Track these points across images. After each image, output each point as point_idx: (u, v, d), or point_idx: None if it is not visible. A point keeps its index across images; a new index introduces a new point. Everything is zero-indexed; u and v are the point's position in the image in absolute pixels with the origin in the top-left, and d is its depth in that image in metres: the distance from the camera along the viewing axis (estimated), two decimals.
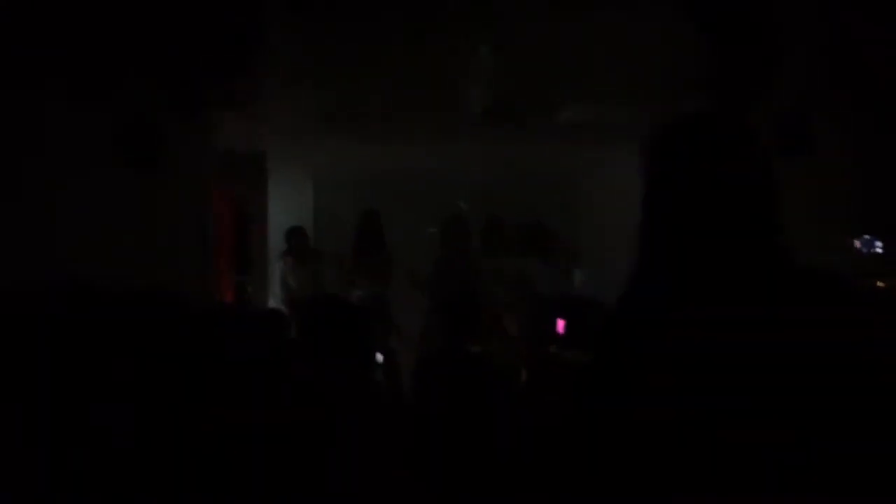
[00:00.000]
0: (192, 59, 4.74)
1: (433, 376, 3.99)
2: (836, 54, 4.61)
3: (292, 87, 6.21)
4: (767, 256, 1.31)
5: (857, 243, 4.10)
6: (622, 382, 1.29)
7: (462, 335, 4.05)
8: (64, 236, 4.98)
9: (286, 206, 8.06)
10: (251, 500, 2.03)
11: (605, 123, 7.36)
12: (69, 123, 5.28)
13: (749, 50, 4.61)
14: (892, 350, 1.19)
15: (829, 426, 1.14)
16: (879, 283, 4.10)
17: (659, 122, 1.47)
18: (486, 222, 6.79)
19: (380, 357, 4.23)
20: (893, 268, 4.53)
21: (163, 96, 5.02)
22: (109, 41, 4.35)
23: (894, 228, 4.86)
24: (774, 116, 5.67)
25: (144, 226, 5.38)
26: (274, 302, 6.83)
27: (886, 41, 4.45)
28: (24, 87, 4.86)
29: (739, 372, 1.20)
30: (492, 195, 7.85)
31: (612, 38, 5.15)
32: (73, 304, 2.07)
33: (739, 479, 1.14)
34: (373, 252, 6.58)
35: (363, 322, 3.83)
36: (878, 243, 4.11)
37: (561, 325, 3.91)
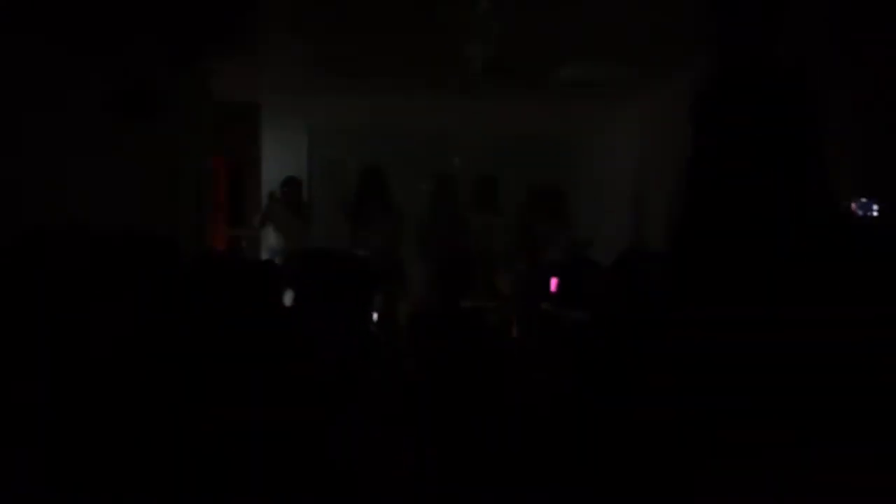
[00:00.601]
0: (189, 9, 4.66)
1: (426, 332, 4.01)
2: (837, 19, 4.55)
3: (288, 38, 6.13)
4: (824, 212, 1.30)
5: (854, 206, 4.09)
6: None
7: (454, 291, 4.06)
8: (60, 186, 4.96)
9: (281, 160, 8.01)
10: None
11: (605, 82, 7.31)
12: (68, 74, 5.30)
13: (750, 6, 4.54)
14: None
15: None
16: None
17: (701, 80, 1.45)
18: (478, 181, 6.83)
19: (375, 316, 4.24)
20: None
21: (160, 48, 4.96)
22: None
23: (891, 190, 4.87)
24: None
25: (139, 177, 5.35)
26: (266, 253, 6.81)
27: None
28: (24, 34, 4.79)
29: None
30: (488, 152, 7.80)
31: None
32: (70, 247, 2.07)
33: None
34: (378, 209, 6.54)
35: (363, 277, 3.84)
36: (875, 206, 4.10)
37: (554, 283, 3.93)
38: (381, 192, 6.58)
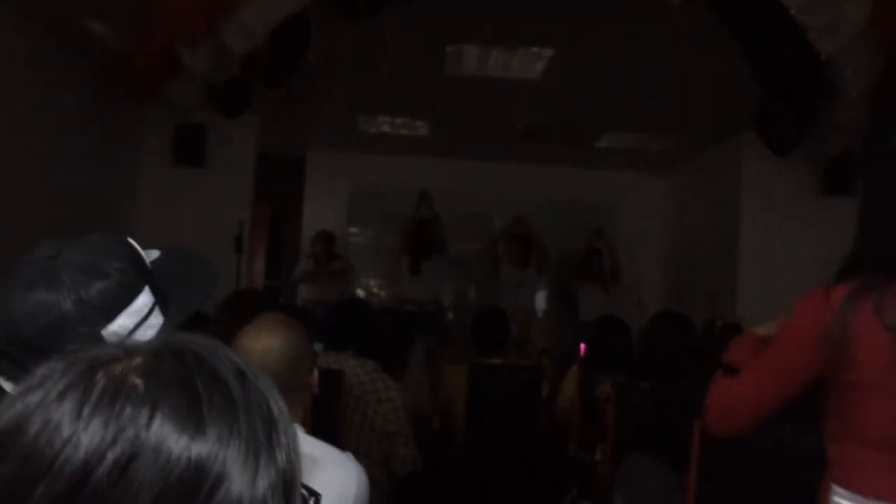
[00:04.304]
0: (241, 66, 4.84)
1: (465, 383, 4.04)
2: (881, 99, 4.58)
3: (334, 97, 6.30)
4: None
5: None
6: None
7: (489, 346, 4.11)
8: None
9: (322, 214, 8.14)
10: None
11: (640, 150, 7.41)
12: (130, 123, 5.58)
13: (797, 90, 4.60)
14: None
15: None
16: None
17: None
18: (516, 241, 6.96)
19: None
20: None
21: (212, 100, 5.15)
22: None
23: None
24: (819, 157, 5.67)
25: (182, 221, 5.50)
26: (300, 301, 6.90)
27: None
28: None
29: None
30: (528, 213, 7.88)
31: (655, 71, 5.18)
32: None
33: None
34: (428, 260, 6.64)
35: (396, 329, 3.88)
36: None
37: (583, 348, 3.95)
38: (432, 245, 6.68)
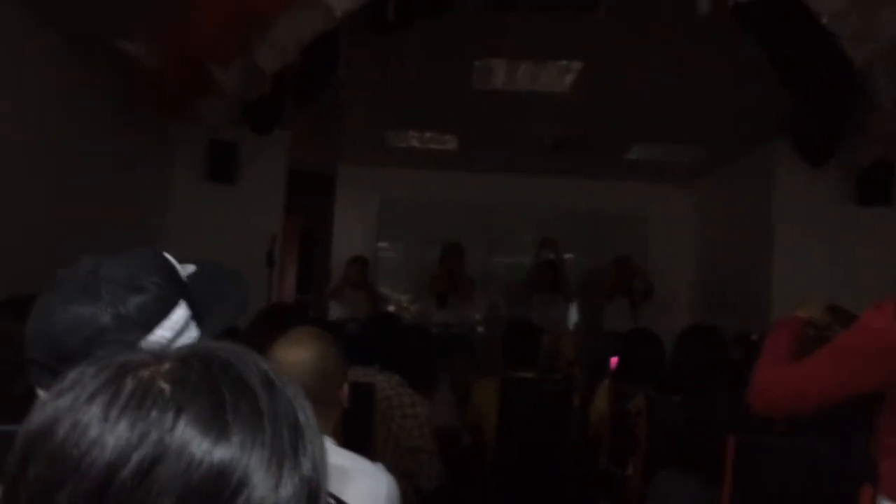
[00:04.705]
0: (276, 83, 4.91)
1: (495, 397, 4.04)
2: None
3: (363, 112, 6.35)
4: None
5: None
6: None
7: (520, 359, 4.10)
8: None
9: (351, 229, 8.20)
10: None
11: (669, 162, 7.38)
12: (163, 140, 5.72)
13: (830, 100, 4.56)
14: None
15: None
16: None
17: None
18: (542, 263, 7.03)
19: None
20: None
21: (244, 116, 5.21)
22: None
23: None
24: (852, 167, 5.60)
25: (214, 236, 5.57)
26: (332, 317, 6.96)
27: None
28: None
29: None
30: (557, 227, 7.87)
31: (684, 82, 5.16)
32: None
33: None
34: (456, 282, 6.78)
35: (422, 345, 3.89)
36: None
37: (614, 361, 3.93)
38: (461, 267, 6.83)
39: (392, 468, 2.87)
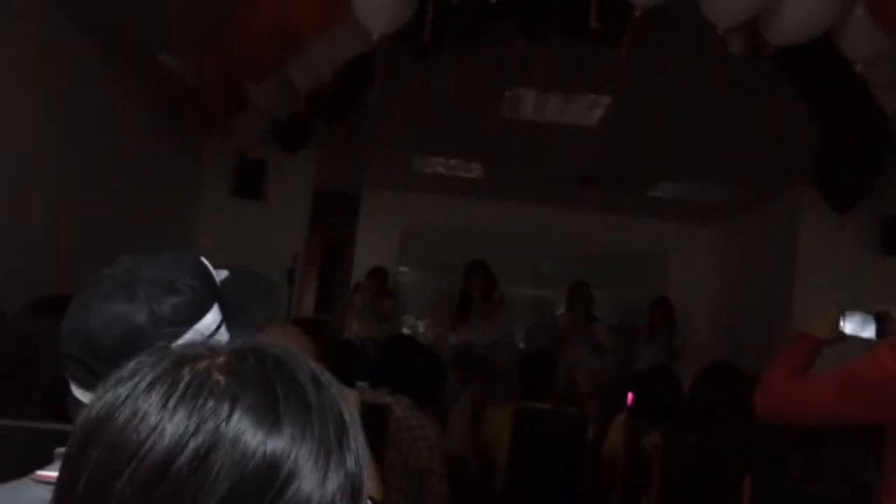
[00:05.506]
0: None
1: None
2: None
3: (390, 136, 6.40)
4: None
5: None
6: None
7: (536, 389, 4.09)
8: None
9: (373, 251, 8.23)
10: None
11: (694, 201, 7.37)
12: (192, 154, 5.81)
13: (861, 147, 4.56)
14: None
15: None
16: None
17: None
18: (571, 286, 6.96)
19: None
20: None
21: (273, 135, 5.28)
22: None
23: None
24: (878, 214, 5.59)
25: (237, 251, 5.61)
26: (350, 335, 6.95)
27: None
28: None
29: None
30: (579, 260, 7.85)
31: (712, 122, 5.18)
32: None
33: None
34: (483, 301, 6.69)
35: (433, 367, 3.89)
36: None
37: (630, 397, 3.90)
38: (483, 285, 6.75)
39: (400, 489, 2.88)
